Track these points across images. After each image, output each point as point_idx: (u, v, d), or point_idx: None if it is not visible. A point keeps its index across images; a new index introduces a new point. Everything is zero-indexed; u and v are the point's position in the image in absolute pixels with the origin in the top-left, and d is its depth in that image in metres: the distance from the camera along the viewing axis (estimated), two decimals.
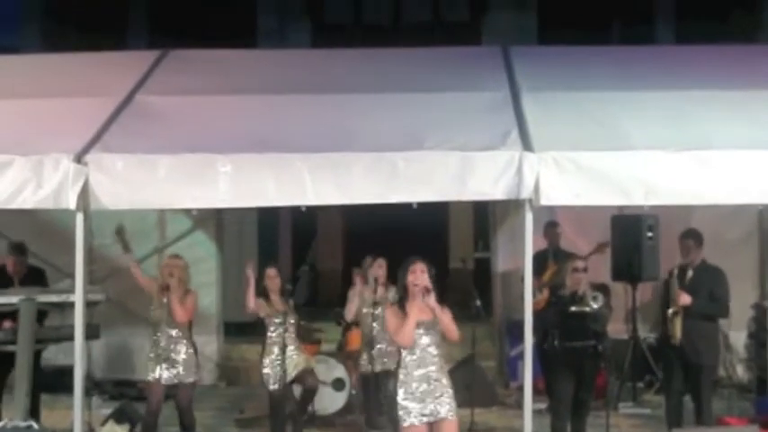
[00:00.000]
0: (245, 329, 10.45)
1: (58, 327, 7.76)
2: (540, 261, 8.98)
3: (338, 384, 9.26)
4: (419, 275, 6.13)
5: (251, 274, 7.87)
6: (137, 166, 6.65)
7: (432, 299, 6.08)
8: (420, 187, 6.58)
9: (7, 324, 7.64)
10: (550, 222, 9.85)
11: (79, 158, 6.61)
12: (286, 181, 6.60)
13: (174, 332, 7.68)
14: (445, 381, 6.18)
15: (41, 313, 7.69)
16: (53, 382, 8.49)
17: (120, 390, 10.25)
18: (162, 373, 7.62)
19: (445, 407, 6.11)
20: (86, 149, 6.72)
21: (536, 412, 6.76)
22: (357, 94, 7.80)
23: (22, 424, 6.98)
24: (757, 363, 9.72)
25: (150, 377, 7.66)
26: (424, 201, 6.61)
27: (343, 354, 9.53)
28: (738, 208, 7.31)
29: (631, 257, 9.87)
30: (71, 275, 6.94)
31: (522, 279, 6.74)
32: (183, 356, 7.68)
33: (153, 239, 10.74)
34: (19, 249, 8.31)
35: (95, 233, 8.24)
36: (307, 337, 9.40)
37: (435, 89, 7.78)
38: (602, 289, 7.77)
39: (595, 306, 7.29)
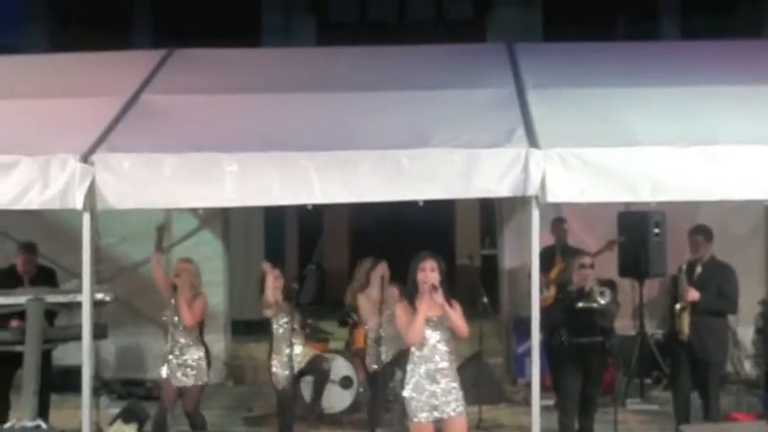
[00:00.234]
0: (252, 328, 10.46)
1: (65, 327, 7.77)
2: (547, 257, 9.00)
3: (346, 382, 9.26)
4: (428, 274, 6.14)
5: (267, 267, 7.87)
6: (143, 166, 6.65)
7: (440, 296, 6.08)
8: (426, 185, 6.57)
9: (15, 323, 7.65)
10: (558, 218, 9.85)
11: (86, 158, 6.61)
12: (292, 179, 6.60)
13: (182, 337, 7.71)
14: (453, 377, 6.18)
15: (51, 313, 7.70)
16: (61, 381, 8.50)
17: (128, 389, 10.25)
18: (171, 374, 7.67)
19: (453, 404, 6.12)
20: (93, 149, 6.73)
21: (544, 409, 6.75)
22: (362, 91, 7.80)
23: (30, 424, 6.99)
24: (765, 359, 9.69)
25: (163, 374, 7.72)
26: (430, 198, 6.61)
27: (350, 352, 9.52)
28: (745, 203, 7.27)
29: (638, 254, 9.86)
30: (78, 275, 6.94)
31: (530, 276, 6.73)
32: (190, 361, 7.69)
33: None
34: (29, 248, 8.34)
35: (102, 233, 8.25)
36: (313, 336, 9.40)
37: (440, 86, 7.77)
38: (610, 285, 7.77)
39: (602, 302, 7.29)
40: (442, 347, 6.17)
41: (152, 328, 10.28)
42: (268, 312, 7.93)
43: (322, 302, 11.76)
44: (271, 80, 8.25)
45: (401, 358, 6.71)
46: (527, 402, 7.16)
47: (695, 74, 7.92)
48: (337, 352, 9.63)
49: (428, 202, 6.65)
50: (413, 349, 6.19)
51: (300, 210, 7.23)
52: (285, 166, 6.62)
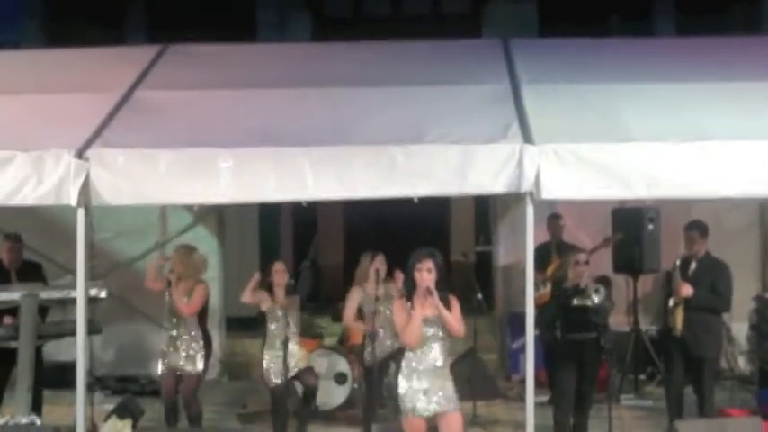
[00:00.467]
0: (247, 324, 10.45)
1: (59, 322, 7.77)
2: (543, 254, 9.02)
3: (340, 378, 9.26)
4: (424, 275, 6.13)
5: (257, 275, 7.96)
6: (138, 162, 6.64)
7: (435, 298, 6.07)
8: (420, 181, 6.56)
9: (8, 320, 7.63)
10: (553, 215, 9.86)
11: (80, 154, 6.60)
12: (287, 175, 6.59)
13: (180, 326, 7.90)
14: (448, 374, 6.19)
15: (42, 309, 7.69)
16: (55, 378, 8.49)
17: (122, 385, 10.27)
18: (168, 364, 7.92)
19: (447, 400, 6.13)
20: (87, 145, 6.71)
21: (538, 405, 6.76)
22: (357, 87, 7.78)
23: (24, 420, 6.98)
24: (759, 354, 9.71)
25: (158, 369, 8.01)
26: (425, 195, 6.60)
27: (344, 347, 9.52)
28: (740, 199, 7.28)
29: (632, 250, 9.88)
30: (73, 271, 6.94)
31: (524, 272, 6.73)
32: (188, 349, 7.86)
33: (154, 235, 10.74)
34: (13, 236, 8.33)
35: (97, 228, 8.25)
36: (308, 332, 9.39)
37: (435, 82, 7.76)
38: (604, 281, 7.78)
39: (597, 300, 7.30)
40: (437, 344, 6.18)
41: (146, 323, 10.29)
42: (263, 305, 7.95)
43: (317, 298, 11.77)
44: (266, 76, 8.23)
45: (398, 354, 6.69)
46: (522, 398, 7.16)
47: (690, 70, 7.92)
48: (332, 348, 9.64)
49: (423, 199, 6.65)
50: None
51: (295, 206, 7.23)
52: (280, 161, 6.61)
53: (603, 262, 9.64)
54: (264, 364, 7.96)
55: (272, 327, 7.98)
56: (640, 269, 10.01)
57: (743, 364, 10.53)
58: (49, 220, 9.39)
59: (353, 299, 8.32)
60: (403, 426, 6.24)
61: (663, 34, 14.54)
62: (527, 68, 7.98)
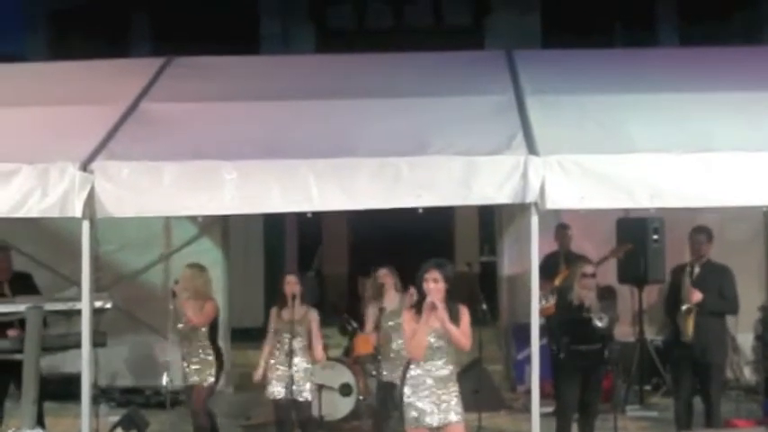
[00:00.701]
0: (252, 335, 10.44)
1: (64, 334, 7.75)
2: (551, 264, 9.02)
3: (345, 390, 9.25)
4: (430, 285, 6.11)
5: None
6: (142, 174, 6.65)
7: (440, 312, 6.05)
8: (425, 192, 6.57)
9: (13, 333, 7.63)
10: (561, 225, 9.85)
11: (85, 166, 6.62)
12: (291, 187, 6.60)
13: (190, 338, 7.89)
14: (453, 384, 6.18)
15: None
16: (60, 390, 8.49)
17: (127, 397, 10.24)
18: (185, 375, 7.95)
19: (452, 411, 6.12)
20: (92, 157, 6.74)
21: (543, 416, 6.74)
22: (361, 99, 7.80)
23: None
24: (764, 365, 9.69)
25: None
26: (429, 206, 6.61)
27: (350, 359, 9.50)
28: (744, 209, 7.27)
29: (637, 260, 9.86)
30: (77, 283, 6.95)
31: (529, 282, 6.73)
32: (196, 361, 7.84)
33: (159, 247, 10.74)
34: (1, 246, 8.31)
35: (101, 241, 8.24)
36: None
37: (439, 93, 7.78)
38: (609, 291, 7.76)
39: (600, 325, 7.27)
40: (444, 356, 6.17)
41: (151, 335, 10.28)
42: (273, 324, 7.89)
43: (321, 309, 11.73)
44: (270, 88, 8.25)
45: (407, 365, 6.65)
46: (527, 409, 7.16)
47: (693, 80, 7.93)
48: (337, 359, 9.62)
49: (427, 209, 6.65)
50: None
51: (300, 217, 7.24)
52: (284, 173, 6.62)
53: (608, 272, 9.63)
54: (269, 375, 7.92)
55: (276, 340, 7.91)
56: (645, 279, 9.99)
57: (749, 374, 10.48)
58: (54, 233, 9.40)
59: (370, 315, 8.35)
60: None
61: (666, 44, 14.56)
62: (531, 80, 8.00)
